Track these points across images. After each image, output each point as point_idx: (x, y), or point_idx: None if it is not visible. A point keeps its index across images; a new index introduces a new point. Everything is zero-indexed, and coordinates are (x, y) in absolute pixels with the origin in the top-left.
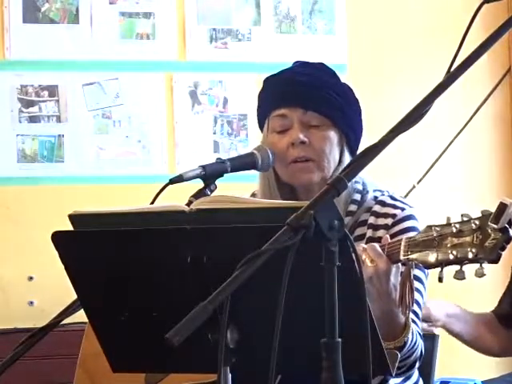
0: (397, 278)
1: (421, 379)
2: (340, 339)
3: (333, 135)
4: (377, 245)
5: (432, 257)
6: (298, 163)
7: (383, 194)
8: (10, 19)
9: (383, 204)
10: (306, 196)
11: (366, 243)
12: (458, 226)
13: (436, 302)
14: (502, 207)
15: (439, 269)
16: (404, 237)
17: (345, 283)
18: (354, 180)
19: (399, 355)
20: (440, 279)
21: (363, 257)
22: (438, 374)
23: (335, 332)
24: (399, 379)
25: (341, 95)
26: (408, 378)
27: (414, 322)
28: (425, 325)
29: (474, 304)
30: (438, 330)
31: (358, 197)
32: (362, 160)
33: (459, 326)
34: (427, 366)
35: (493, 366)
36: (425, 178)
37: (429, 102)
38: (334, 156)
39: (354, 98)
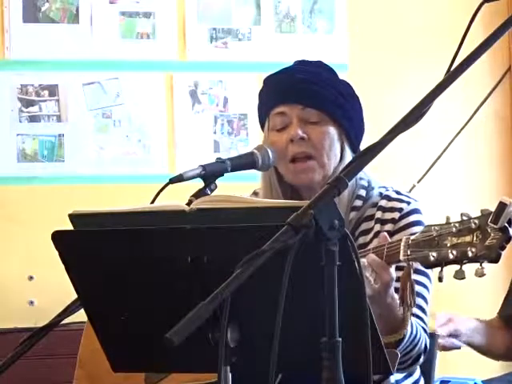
0: (392, 281)
1: (422, 377)
2: (340, 339)
3: (332, 131)
4: (377, 257)
5: (432, 256)
6: (298, 163)
7: (388, 190)
8: (9, 19)
9: (389, 198)
10: (308, 195)
11: (374, 237)
12: (457, 225)
13: (461, 319)
14: (502, 206)
15: (439, 268)
16: (404, 237)
17: (345, 283)
18: (358, 176)
19: (399, 355)
20: (440, 279)
21: (367, 274)
22: (438, 373)
23: (335, 331)
24: (401, 375)
25: (340, 91)
26: (410, 374)
27: (419, 317)
28: (454, 340)
29: (474, 304)
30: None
31: (363, 192)
32: (362, 159)
33: (479, 338)
34: (427, 366)
35: (493, 366)
36: (425, 178)
37: (429, 101)
38: (335, 152)
39: (354, 95)
